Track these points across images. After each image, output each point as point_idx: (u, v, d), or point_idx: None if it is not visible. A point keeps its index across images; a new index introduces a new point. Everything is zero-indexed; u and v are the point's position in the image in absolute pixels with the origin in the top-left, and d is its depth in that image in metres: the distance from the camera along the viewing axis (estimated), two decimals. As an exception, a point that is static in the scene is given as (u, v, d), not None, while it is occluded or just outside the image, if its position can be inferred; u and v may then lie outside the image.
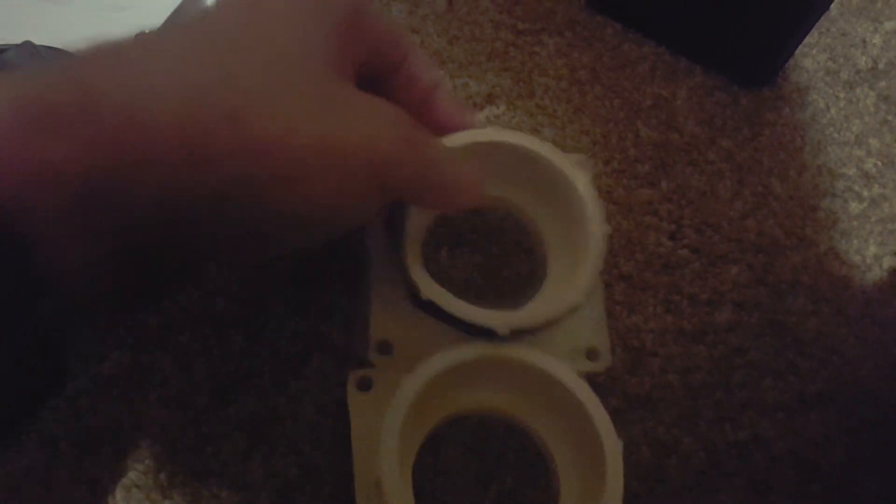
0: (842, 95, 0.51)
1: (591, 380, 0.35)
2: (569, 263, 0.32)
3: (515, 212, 0.35)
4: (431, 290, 0.29)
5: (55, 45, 0.37)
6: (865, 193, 0.45)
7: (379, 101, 0.24)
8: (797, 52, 0.53)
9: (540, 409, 0.31)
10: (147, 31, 0.22)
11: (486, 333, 0.29)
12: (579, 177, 0.32)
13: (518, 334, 0.29)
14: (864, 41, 0.55)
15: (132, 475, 0.30)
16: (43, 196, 0.16)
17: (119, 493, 0.30)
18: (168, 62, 0.19)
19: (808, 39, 0.54)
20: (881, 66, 0.53)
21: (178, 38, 0.21)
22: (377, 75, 0.27)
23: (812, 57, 0.54)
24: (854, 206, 0.44)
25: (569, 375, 0.29)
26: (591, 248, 0.31)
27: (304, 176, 0.20)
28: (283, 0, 0.22)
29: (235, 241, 0.22)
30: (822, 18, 0.56)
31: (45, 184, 0.16)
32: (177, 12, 0.45)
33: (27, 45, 0.35)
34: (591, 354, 0.31)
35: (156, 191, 0.18)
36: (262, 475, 0.31)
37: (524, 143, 0.32)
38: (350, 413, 0.30)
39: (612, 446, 0.28)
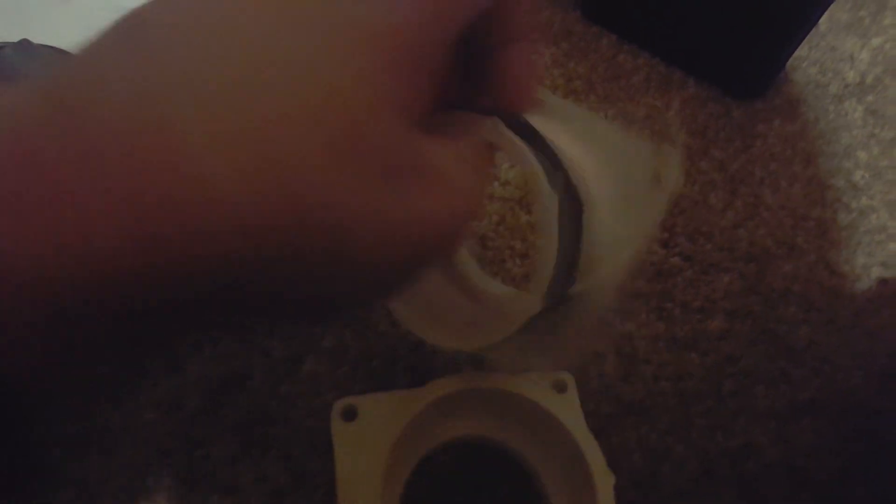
0: (831, 108, 0.52)
1: (584, 386, 0.35)
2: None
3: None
4: None
5: (55, 45, 0.37)
6: (854, 204, 0.46)
7: (440, 159, 0.19)
8: (788, 65, 0.53)
9: (528, 435, 0.31)
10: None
11: None
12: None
13: None
14: (852, 56, 0.56)
15: (120, 477, 0.30)
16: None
17: (107, 496, 0.30)
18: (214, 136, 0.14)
19: (798, 53, 0.54)
20: (869, 80, 0.54)
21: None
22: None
23: (802, 70, 0.54)
24: (843, 217, 0.45)
25: (536, 390, 0.29)
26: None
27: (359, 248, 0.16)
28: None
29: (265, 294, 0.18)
30: (812, 33, 0.56)
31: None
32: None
33: (24, 43, 0.34)
34: None
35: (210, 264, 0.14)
36: (253, 479, 0.31)
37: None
38: (334, 444, 0.29)
39: (603, 480, 0.28)
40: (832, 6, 0.58)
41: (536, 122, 0.22)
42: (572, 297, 0.26)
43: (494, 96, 0.21)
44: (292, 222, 0.15)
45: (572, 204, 0.23)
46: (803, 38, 0.51)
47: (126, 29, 0.16)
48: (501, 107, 0.21)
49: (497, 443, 0.32)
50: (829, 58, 0.56)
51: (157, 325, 0.16)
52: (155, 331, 0.16)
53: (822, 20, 0.58)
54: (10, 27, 0.40)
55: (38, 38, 0.36)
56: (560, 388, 0.31)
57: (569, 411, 0.29)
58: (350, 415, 0.30)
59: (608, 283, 0.27)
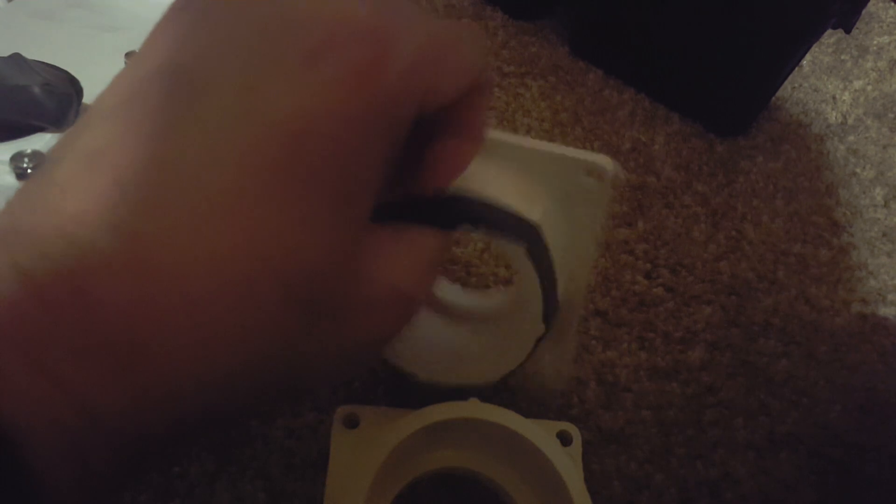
0: (813, 147, 0.53)
1: (564, 413, 0.35)
2: None
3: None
4: None
5: (45, 61, 0.37)
6: (835, 241, 0.46)
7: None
8: (771, 104, 0.55)
9: (510, 468, 0.31)
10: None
11: None
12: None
13: None
14: (834, 97, 0.58)
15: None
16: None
17: (79, 512, 0.29)
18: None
19: (781, 93, 0.56)
20: (850, 121, 0.56)
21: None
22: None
23: (785, 110, 0.56)
24: (824, 253, 0.45)
25: (544, 439, 0.29)
26: None
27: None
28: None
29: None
30: (795, 74, 0.58)
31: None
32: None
33: (16, 57, 0.35)
34: None
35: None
36: (229, 498, 0.30)
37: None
38: (331, 448, 0.30)
39: None
40: (815, 49, 0.60)
41: (477, 165, 0.22)
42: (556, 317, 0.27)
43: (418, 177, 0.21)
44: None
45: (537, 246, 0.24)
46: (786, 78, 0.53)
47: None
48: (422, 187, 0.21)
49: (486, 480, 0.31)
50: (812, 98, 0.57)
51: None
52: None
53: (804, 62, 0.59)
54: (1, 43, 0.40)
55: (27, 53, 0.37)
56: (565, 440, 0.32)
57: (569, 465, 0.28)
58: (352, 423, 0.30)
59: (577, 297, 0.27)
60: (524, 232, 0.24)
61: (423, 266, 0.21)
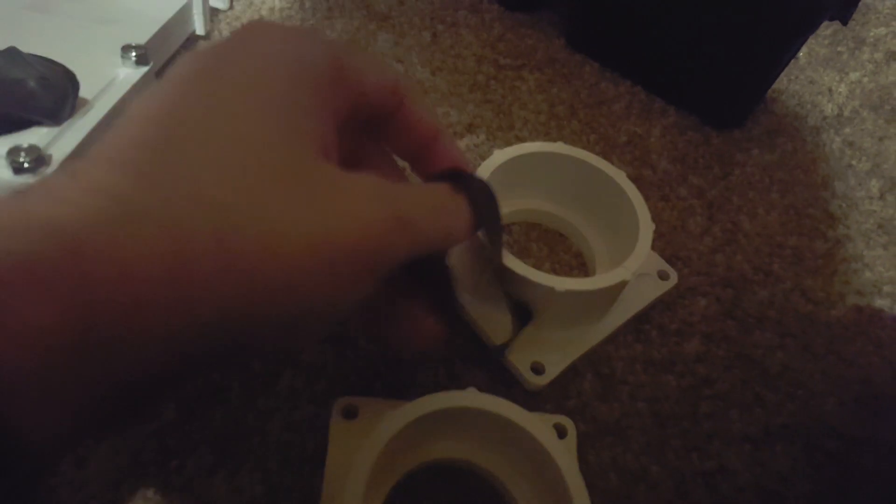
0: (809, 139, 0.53)
1: (562, 404, 0.35)
2: None
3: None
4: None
5: (41, 54, 0.37)
6: (830, 234, 0.47)
7: (360, 180, 0.22)
8: (768, 97, 0.55)
9: (507, 458, 0.31)
10: (101, 150, 0.18)
11: None
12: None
13: None
14: (830, 90, 0.58)
15: (93, 487, 0.30)
16: (21, 362, 0.14)
17: (78, 505, 0.29)
18: (144, 191, 0.17)
19: (777, 86, 0.56)
20: (846, 113, 0.56)
21: (142, 155, 0.18)
22: (373, 120, 0.25)
23: (782, 102, 0.56)
24: (819, 245, 0.46)
25: (541, 430, 0.29)
26: None
27: (297, 283, 0.19)
28: (249, 69, 0.20)
29: (233, 356, 0.21)
30: (792, 66, 0.58)
31: (25, 350, 0.14)
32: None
33: (12, 50, 0.35)
34: None
35: (149, 337, 0.16)
36: (227, 491, 0.31)
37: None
38: (329, 439, 0.30)
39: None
40: (811, 40, 0.60)
41: None
42: None
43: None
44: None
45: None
46: (782, 70, 0.53)
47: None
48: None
49: (483, 471, 0.32)
50: (808, 90, 0.57)
51: (148, 379, 0.18)
52: (146, 384, 0.18)
53: (801, 54, 0.59)
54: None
55: (23, 46, 0.36)
56: (560, 432, 0.32)
57: (566, 456, 0.29)
58: (350, 414, 0.31)
59: None
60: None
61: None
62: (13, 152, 0.31)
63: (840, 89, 0.58)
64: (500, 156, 0.38)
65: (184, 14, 0.48)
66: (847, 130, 0.54)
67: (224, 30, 0.53)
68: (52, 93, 0.34)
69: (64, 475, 0.30)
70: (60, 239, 0.15)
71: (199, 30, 0.50)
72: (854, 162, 0.52)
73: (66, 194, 0.16)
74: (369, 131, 0.27)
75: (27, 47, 0.37)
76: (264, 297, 0.18)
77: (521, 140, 0.48)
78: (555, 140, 0.47)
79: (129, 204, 0.17)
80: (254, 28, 0.22)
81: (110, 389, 0.16)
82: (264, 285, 0.18)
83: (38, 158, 0.31)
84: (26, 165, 0.31)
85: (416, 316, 0.27)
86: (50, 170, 0.32)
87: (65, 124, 0.34)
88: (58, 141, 0.34)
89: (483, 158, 0.39)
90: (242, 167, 0.18)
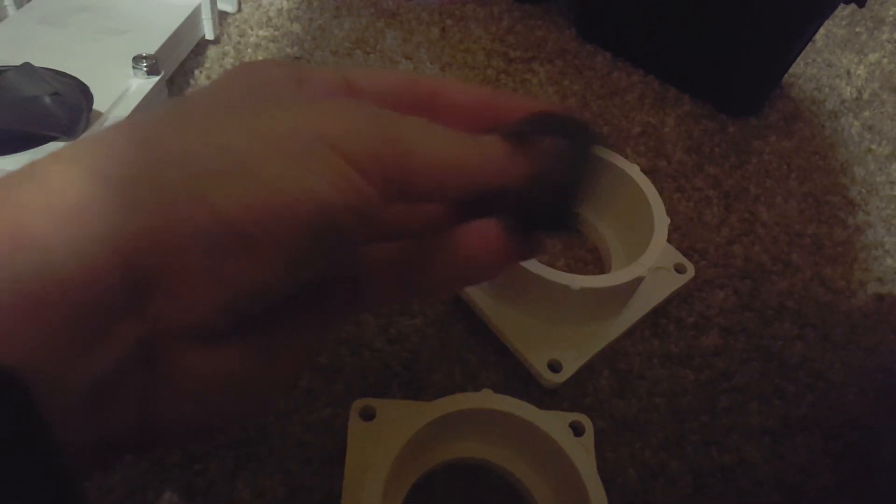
0: (827, 124, 0.52)
1: (579, 401, 0.35)
2: None
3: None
4: None
5: (54, 67, 0.38)
6: (850, 221, 0.46)
7: (324, 99, 0.20)
8: (784, 82, 0.54)
9: (524, 457, 0.31)
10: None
11: None
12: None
13: None
14: (848, 72, 0.57)
15: (120, 491, 0.30)
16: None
17: (105, 511, 0.30)
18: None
19: (794, 70, 0.55)
20: (865, 96, 0.55)
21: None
22: None
23: (798, 87, 0.55)
24: (839, 233, 0.45)
25: (557, 429, 0.29)
26: None
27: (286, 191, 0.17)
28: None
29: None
30: (808, 49, 0.57)
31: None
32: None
33: (27, 66, 0.35)
34: None
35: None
36: (250, 494, 0.31)
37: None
38: (348, 440, 0.30)
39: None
40: (828, 22, 0.59)
41: None
42: None
43: None
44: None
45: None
46: (798, 54, 0.52)
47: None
48: None
49: (500, 470, 0.32)
50: (826, 74, 0.56)
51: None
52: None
53: (818, 36, 0.58)
54: (12, 51, 0.41)
55: (37, 61, 0.37)
56: (578, 430, 0.32)
57: (582, 454, 0.29)
58: (368, 415, 0.31)
59: None
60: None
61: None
62: (31, 168, 0.32)
63: (859, 71, 0.57)
64: None
65: (193, 20, 0.48)
66: (866, 114, 0.53)
67: (233, 33, 0.53)
68: (67, 108, 0.34)
69: (91, 480, 0.30)
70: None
71: (209, 34, 0.51)
72: (874, 146, 0.51)
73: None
74: None
75: (40, 61, 0.37)
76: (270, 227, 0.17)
77: (533, 134, 0.48)
78: (567, 134, 0.47)
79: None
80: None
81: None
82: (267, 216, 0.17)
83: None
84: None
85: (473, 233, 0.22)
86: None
87: (80, 138, 0.35)
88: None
89: (494, 156, 0.38)
90: (215, 135, 0.17)
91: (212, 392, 0.19)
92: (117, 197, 0.15)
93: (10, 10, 0.46)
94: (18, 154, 0.34)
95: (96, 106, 0.37)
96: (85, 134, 0.36)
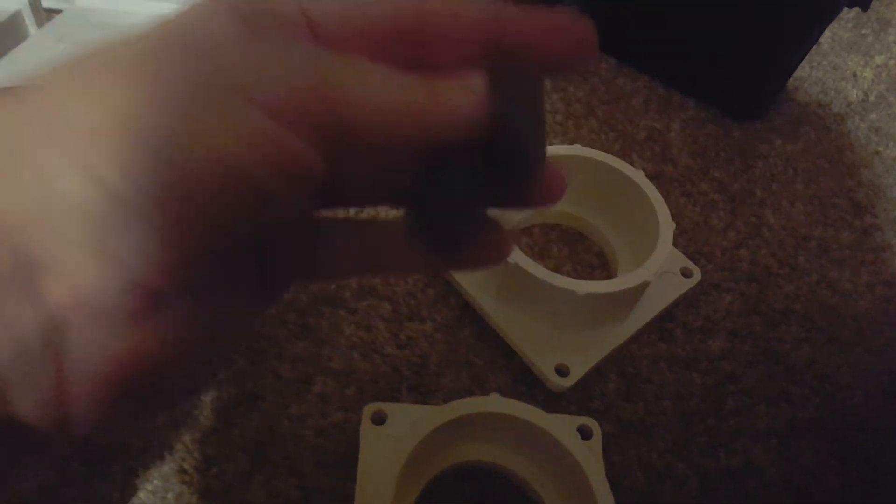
0: (833, 127, 0.52)
1: (586, 405, 0.36)
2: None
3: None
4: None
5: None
6: (857, 223, 0.46)
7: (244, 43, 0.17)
8: (789, 84, 0.54)
9: (533, 461, 0.32)
10: None
11: None
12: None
13: None
14: (854, 75, 0.57)
15: (141, 494, 0.31)
16: None
17: (125, 514, 0.31)
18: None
19: (799, 73, 0.55)
20: (872, 98, 0.55)
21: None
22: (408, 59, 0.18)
23: (804, 90, 0.55)
24: (846, 236, 0.45)
25: (565, 433, 0.30)
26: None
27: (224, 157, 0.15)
28: None
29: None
30: (814, 52, 0.57)
31: None
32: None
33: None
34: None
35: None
36: (264, 495, 0.32)
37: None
38: (360, 444, 0.31)
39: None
40: (834, 25, 0.59)
41: None
42: None
43: None
44: None
45: None
46: (803, 57, 0.52)
47: None
48: None
49: (509, 473, 0.32)
50: (831, 77, 0.56)
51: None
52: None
53: (823, 39, 0.59)
54: (33, 70, 0.42)
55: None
56: (585, 433, 0.33)
57: (590, 458, 0.29)
58: (379, 419, 0.32)
59: None
60: None
61: None
62: None
63: (865, 74, 0.57)
64: None
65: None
66: (873, 116, 0.53)
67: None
68: None
69: (116, 483, 0.31)
70: None
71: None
72: (881, 148, 0.51)
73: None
74: None
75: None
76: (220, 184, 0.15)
77: (540, 141, 0.48)
78: (572, 140, 0.48)
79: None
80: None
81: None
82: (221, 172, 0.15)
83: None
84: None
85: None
86: None
87: None
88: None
89: (501, 164, 0.39)
90: (102, 91, 0.15)
91: (129, 374, 0.17)
92: None
93: (32, 29, 0.47)
94: None
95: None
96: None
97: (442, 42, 0.19)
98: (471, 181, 0.18)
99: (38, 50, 0.45)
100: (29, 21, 0.47)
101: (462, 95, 0.17)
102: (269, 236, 0.19)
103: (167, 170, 0.14)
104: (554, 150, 0.40)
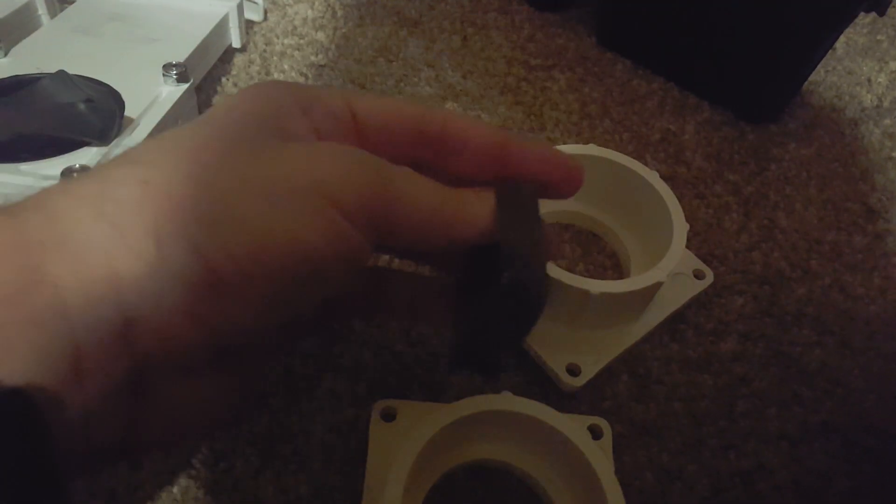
0: (847, 132, 0.52)
1: (597, 406, 0.35)
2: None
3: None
4: None
5: (88, 75, 0.39)
6: (870, 228, 0.46)
7: (321, 144, 0.21)
8: (804, 89, 0.54)
9: (543, 460, 0.32)
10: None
11: None
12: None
13: None
14: (869, 80, 0.56)
15: (148, 488, 0.31)
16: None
17: (135, 506, 0.31)
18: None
19: (814, 77, 0.55)
20: (886, 104, 0.55)
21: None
22: (430, 161, 0.23)
23: (818, 94, 0.55)
24: (859, 240, 0.45)
25: (576, 432, 0.30)
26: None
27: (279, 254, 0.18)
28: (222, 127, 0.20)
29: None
30: (829, 57, 0.57)
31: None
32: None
33: (61, 74, 0.37)
34: None
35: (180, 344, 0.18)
36: (273, 492, 0.32)
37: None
38: (369, 441, 0.31)
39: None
40: (849, 30, 0.59)
41: None
42: None
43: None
44: None
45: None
46: (819, 62, 0.52)
47: None
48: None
49: (519, 471, 0.32)
50: (846, 81, 0.56)
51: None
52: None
53: (838, 44, 0.58)
54: (47, 59, 0.42)
55: (71, 68, 0.38)
56: (596, 433, 0.33)
57: (601, 457, 0.29)
58: (389, 416, 0.32)
59: None
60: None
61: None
62: (66, 173, 0.33)
63: (879, 79, 0.56)
64: None
65: (221, 29, 0.49)
66: (887, 121, 0.53)
67: (259, 42, 0.54)
68: (101, 114, 0.35)
69: (121, 477, 0.31)
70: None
71: (236, 42, 0.52)
72: (895, 154, 0.51)
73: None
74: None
75: (74, 69, 0.38)
76: (257, 283, 0.18)
77: (553, 141, 0.48)
78: (587, 140, 0.48)
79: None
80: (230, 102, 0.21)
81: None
82: (253, 271, 0.18)
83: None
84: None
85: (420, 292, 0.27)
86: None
87: (113, 143, 0.36)
88: (107, 160, 0.36)
89: (514, 163, 0.39)
90: (214, 181, 0.18)
91: (186, 415, 0.21)
92: (117, 239, 0.17)
93: (45, 19, 0.48)
94: (54, 158, 0.35)
95: (128, 112, 0.38)
96: (109, 147, 0.37)
97: (458, 153, 0.23)
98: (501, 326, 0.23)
99: (53, 40, 0.45)
100: (42, 10, 0.47)
101: (481, 205, 0.22)
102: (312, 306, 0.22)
103: (261, 253, 0.17)
104: (569, 149, 0.40)
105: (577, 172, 0.24)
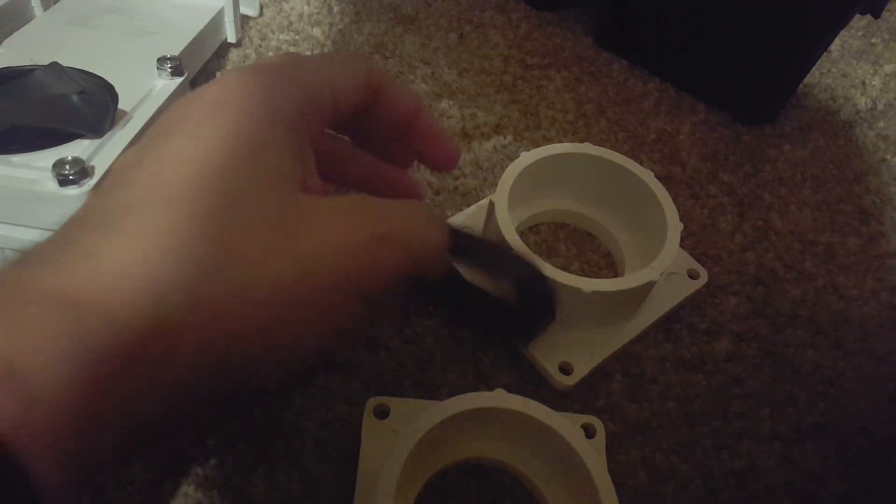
0: (842, 134, 0.52)
1: (591, 404, 0.35)
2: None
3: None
4: None
5: (81, 67, 0.39)
6: (864, 230, 0.46)
7: (341, 204, 0.22)
8: (799, 91, 0.54)
9: (536, 457, 0.32)
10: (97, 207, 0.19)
11: None
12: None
13: None
14: (863, 83, 0.57)
15: (137, 484, 0.31)
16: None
17: (124, 500, 0.30)
18: (127, 252, 0.18)
19: (809, 80, 0.55)
20: (880, 106, 0.55)
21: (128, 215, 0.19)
22: (353, 115, 0.26)
23: (813, 96, 0.55)
24: (852, 242, 0.45)
25: (569, 430, 0.30)
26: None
27: (266, 324, 0.19)
28: (230, 125, 0.20)
29: (229, 392, 0.23)
30: (824, 60, 0.57)
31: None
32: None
33: (54, 66, 0.36)
34: None
35: (140, 390, 0.17)
36: (265, 489, 0.32)
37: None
38: (362, 438, 0.31)
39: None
40: (844, 32, 0.59)
41: None
42: None
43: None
44: None
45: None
46: (814, 64, 0.52)
47: None
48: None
49: (512, 469, 0.32)
50: (841, 84, 0.56)
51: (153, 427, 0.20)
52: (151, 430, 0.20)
53: (833, 46, 0.59)
54: (40, 51, 0.42)
55: (65, 59, 0.38)
56: (589, 432, 0.33)
57: (594, 457, 0.29)
58: (382, 413, 0.32)
59: None
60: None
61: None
62: (58, 165, 0.32)
63: (874, 82, 0.57)
64: (526, 158, 0.38)
65: (216, 23, 0.49)
66: (881, 124, 0.53)
67: (255, 37, 0.54)
68: (94, 107, 0.35)
69: (111, 475, 0.31)
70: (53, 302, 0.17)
71: (231, 37, 0.52)
72: (888, 156, 0.51)
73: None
74: (354, 130, 0.28)
75: (68, 61, 0.38)
76: (238, 341, 0.19)
77: (548, 140, 0.48)
78: (583, 139, 0.48)
79: (109, 259, 0.18)
80: (230, 81, 0.22)
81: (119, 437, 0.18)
82: (237, 330, 0.19)
83: (82, 170, 0.33)
84: (71, 177, 0.33)
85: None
86: (93, 181, 0.33)
87: (105, 136, 0.36)
88: (100, 152, 0.35)
89: (510, 159, 0.39)
90: (222, 219, 0.19)
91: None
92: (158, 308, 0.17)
93: (38, 10, 0.47)
94: (46, 150, 0.34)
95: (121, 105, 0.38)
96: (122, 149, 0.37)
97: (392, 107, 0.27)
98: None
99: (46, 32, 0.45)
100: (35, 2, 0.47)
101: (440, 231, 0.25)
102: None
103: (312, 279, 0.20)
104: (564, 147, 0.40)
105: (457, 155, 0.29)
